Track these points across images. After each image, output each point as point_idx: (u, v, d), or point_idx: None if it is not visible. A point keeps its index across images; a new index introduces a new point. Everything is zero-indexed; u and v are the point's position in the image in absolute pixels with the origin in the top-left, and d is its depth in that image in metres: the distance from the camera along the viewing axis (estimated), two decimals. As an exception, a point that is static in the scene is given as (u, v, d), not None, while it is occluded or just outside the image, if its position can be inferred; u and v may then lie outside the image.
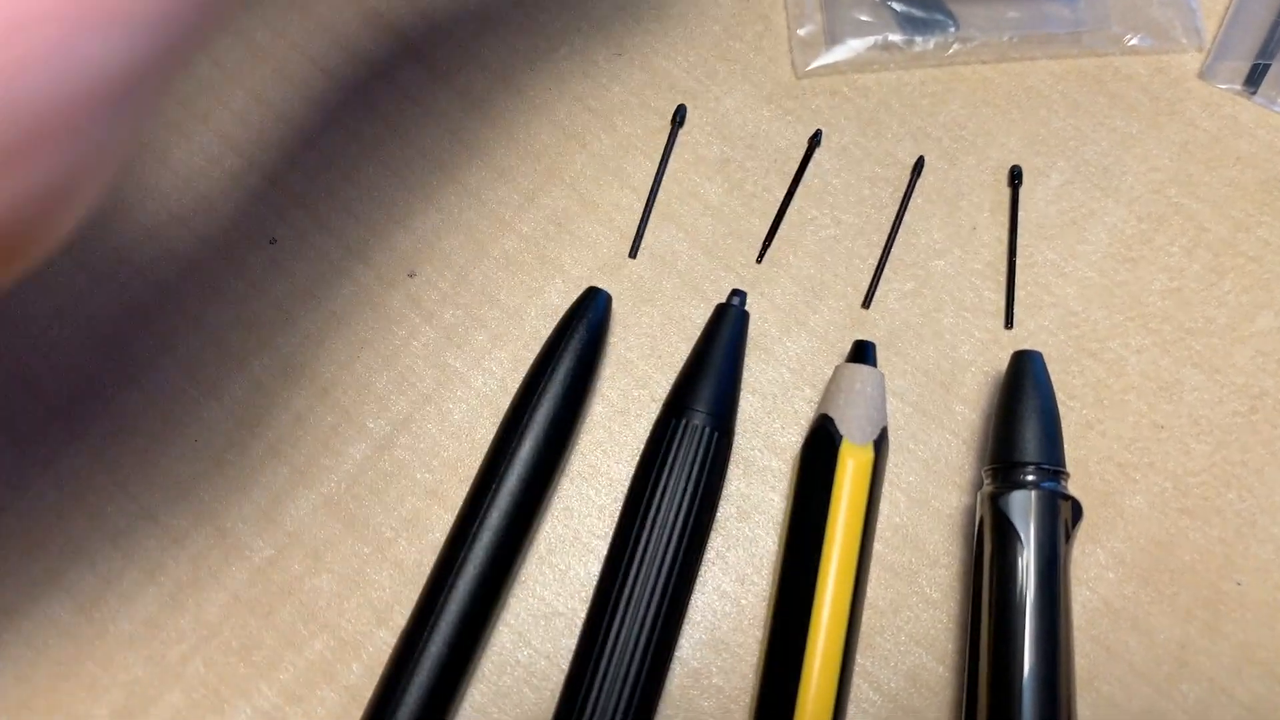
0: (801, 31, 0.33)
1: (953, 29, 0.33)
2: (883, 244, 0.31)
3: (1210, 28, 0.33)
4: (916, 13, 0.33)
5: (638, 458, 0.28)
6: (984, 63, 0.33)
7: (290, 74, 0.32)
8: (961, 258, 0.31)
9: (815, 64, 0.32)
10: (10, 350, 0.30)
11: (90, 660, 0.28)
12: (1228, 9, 0.33)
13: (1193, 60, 0.33)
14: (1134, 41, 0.33)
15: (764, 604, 0.28)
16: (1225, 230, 0.31)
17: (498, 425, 0.28)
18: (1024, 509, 0.26)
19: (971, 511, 0.29)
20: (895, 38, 0.32)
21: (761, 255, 0.31)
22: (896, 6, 0.33)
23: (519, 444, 0.27)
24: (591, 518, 0.29)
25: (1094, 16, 0.33)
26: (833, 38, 0.32)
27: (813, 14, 0.33)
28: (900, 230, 0.31)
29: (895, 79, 0.33)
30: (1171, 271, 0.31)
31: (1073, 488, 0.28)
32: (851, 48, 0.32)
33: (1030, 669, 0.25)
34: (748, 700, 0.27)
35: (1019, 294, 0.30)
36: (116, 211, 0.31)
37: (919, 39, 0.32)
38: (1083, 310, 0.30)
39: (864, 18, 0.33)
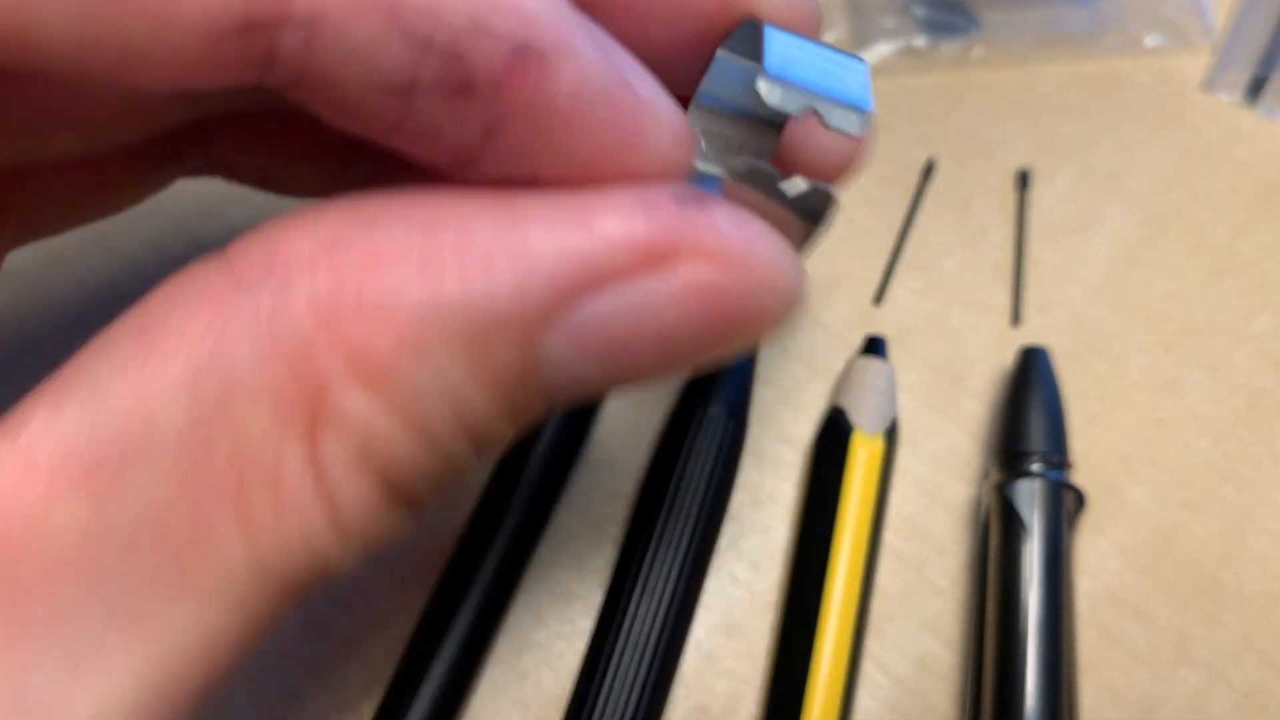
0: (828, 38, 0.34)
1: (975, 33, 0.34)
2: (894, 244, 0.32)
3: (1218, 28, 0.34)
4: (939, 18, 0.34)
5: (653, 447, 0.29)
6: (1005, 66, 0.34)
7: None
8: (970, 258, 0.32)
9: (839, 70, 0.33)
10: (36, 330, 0.31)
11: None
12: (1230, 23, 0.34)
13: (1196, 70, 0.34)
14: (1149, 41, 0.34)
15: (776, 590, 0.29)
16: (1226, 234, 0.32)
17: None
18: (1029, 497, 0.27)
19: (978, 502, 0.29)
20: (919, 42, 0.33)
21: (776, 253, 0.32)
22: (919, 12, 0.34)
23: (539, 431, 0.28)
24: (609, 505, 0.30)
25: (1111, 17, 0.34)
26: (859, 44, 0.34)
27: (838, 22, 0.34)
28: (911, 231, 0.32)
29: (906, 85, 0.34)
30: (1174, 273, 0.32)
31: (1077, 481, 0.29)
32: (878, 53, 0.33)
33: (1034, 654, 0.26)
34: (760, 682, 0.28)
35: (1026, 294, 0.31)
36: (149, 201, 0.32)
37: (942, 44, 0.33)
38: (1088, 310, 0.31)
39: (889, 24, 0.34)
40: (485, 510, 0.28)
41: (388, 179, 0.14)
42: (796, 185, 0.13)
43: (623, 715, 0.26)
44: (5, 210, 0.18)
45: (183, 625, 0.11)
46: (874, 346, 0.30)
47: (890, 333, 0.31)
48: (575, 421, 0.29)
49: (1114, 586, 0.29)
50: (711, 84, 0.14)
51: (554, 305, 0.12)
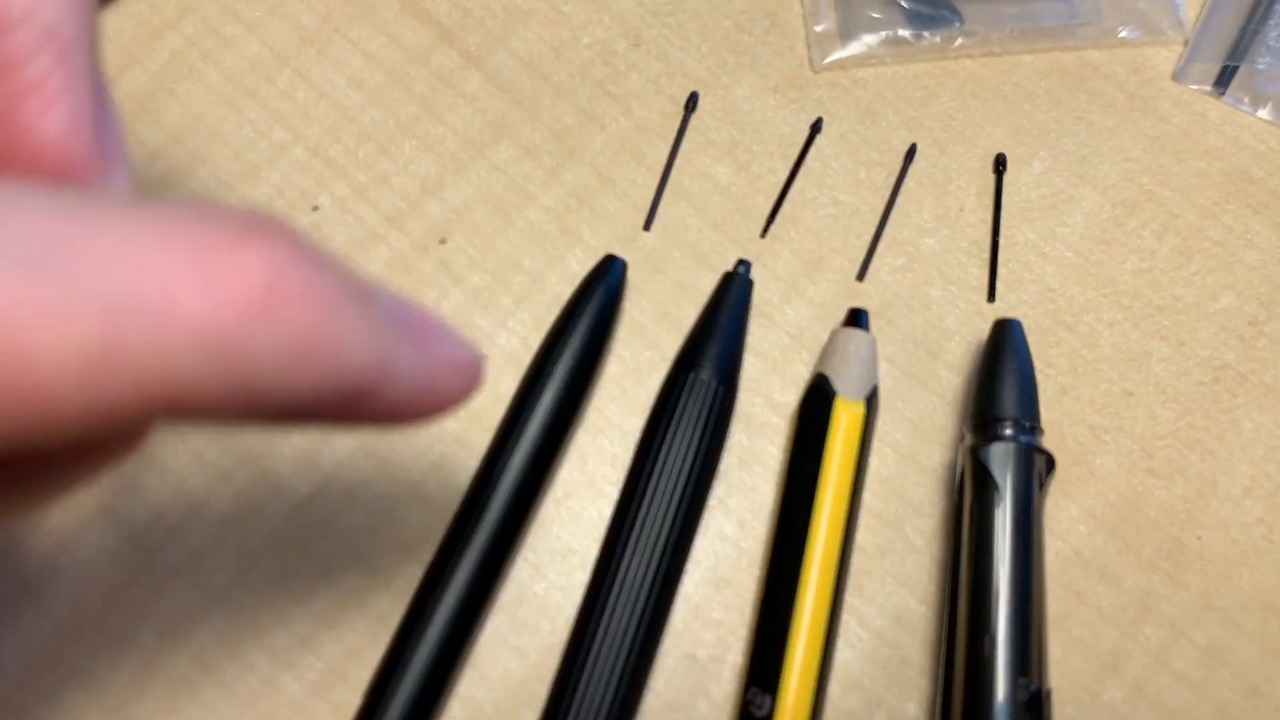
0: (818, 28, 0.35)
1: (957, 24, 0.35)
2: (877, 223, 0.34)
3: (1190, 21, 0.36)
4: (924, 9, 0.36)
5: (648, 412, 0.31)
6: (985, 56, 0.36)
7: (333, 55, 0.35)
8: (949, 237, 0.33)
9: (831, 58, 0.35)
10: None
11: (139, 586, 0.30)
12: (1200, 15, 0.36)
13: (1167, 61, 0.36)
14: (1124, 33, 0.36)
15: (762, 547, 0.30)
16: (1193, 217, 0.34)
17: (520, 380, 0.31)
18: (1002, 460, 0.28)
19: (953, 466, 0.31)
20: (904, 33, 0.35)
21: (765, 230, 0.33)
22: (905, 3, 0.36)
23: (539, 396, 0.30)
24: (605, 465, 0.31)
25: (1087, 10, 0.36)
26: (847, 33, 0.35)
27: (827, 11, 0.36)
28: (893, 210, 0.34)
29: (891, 73, 0.35)
30: (1143, 253, 0.33)
31: (1048, 448, 0.31)
32: (865, 43, 0.35)
33: (1005, 608, 0.27)
34: (746, 633, 0.30)
35: (1001, 271, 0.33)
36: (170, 174, 0.33)
37: (926, 34, 0.35)
38: (1060, 287, 0.33)
39: (875, 14, 0.35)
40: (488, 470, 0.29)
41: None
42: None
43: (616, 663, 0.28)
44: None
45: None
46: (856, 318, 0.31)
47: (872, 307, 0.32)
48: (573, 385, 0.30)
49: (1082, 548, 0.31)
50: None
51: None
